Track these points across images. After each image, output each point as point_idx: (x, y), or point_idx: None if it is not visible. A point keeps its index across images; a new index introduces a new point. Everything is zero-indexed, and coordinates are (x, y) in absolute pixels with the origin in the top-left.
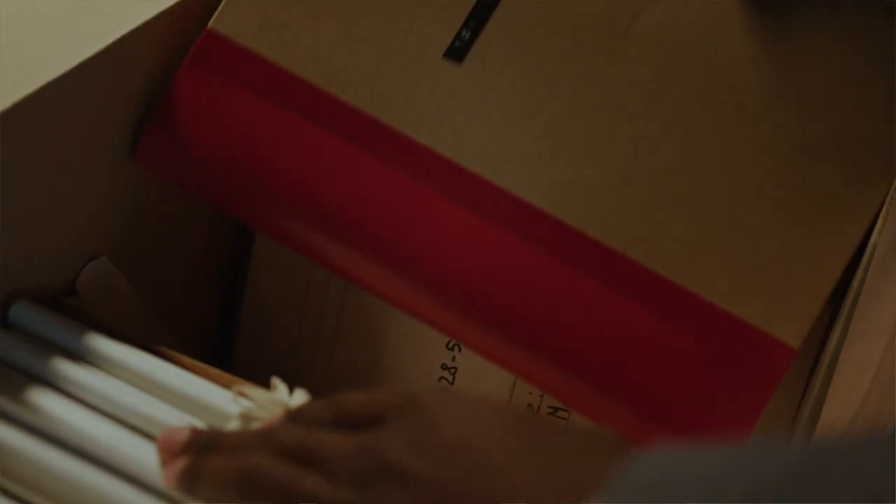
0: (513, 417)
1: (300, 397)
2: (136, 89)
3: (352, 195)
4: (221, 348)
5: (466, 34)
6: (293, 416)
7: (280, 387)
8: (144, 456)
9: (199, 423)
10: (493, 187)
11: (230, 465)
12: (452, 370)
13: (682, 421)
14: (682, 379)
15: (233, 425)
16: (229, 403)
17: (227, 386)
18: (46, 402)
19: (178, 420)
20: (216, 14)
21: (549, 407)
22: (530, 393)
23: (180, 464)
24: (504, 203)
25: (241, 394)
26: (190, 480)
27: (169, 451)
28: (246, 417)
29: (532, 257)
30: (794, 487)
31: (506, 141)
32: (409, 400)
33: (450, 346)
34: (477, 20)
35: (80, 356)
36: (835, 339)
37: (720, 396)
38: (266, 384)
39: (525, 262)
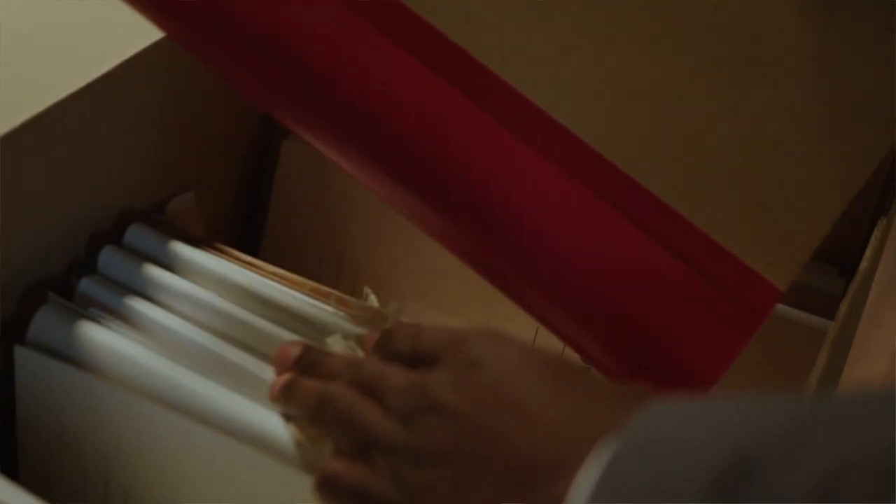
0: (553, 363)
1: (393, 309)
2: (142, 110)
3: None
4: None
5: None
6: (380, 343)
7: (371, 296)
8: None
9: (299, 336)
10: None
11: (314, 389)
12: None
13: (657, 346)
14: (664, 303)
15: (334, 339)
16: (328, 314)
17: (325, 297)
18: (156, 313)
19: (284, 335)
20: None
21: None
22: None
23: (284, 378)
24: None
25: (341, 301)
26: (285, 396)
27: (281, 365)
28: (343, 335)
29: (530, 158)
30: (795, 437)
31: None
32: (459, 340)
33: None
34: None
35: (189, 270)
36: (824, 361)
37: (701, 327)
38: None
39: (522, 161)
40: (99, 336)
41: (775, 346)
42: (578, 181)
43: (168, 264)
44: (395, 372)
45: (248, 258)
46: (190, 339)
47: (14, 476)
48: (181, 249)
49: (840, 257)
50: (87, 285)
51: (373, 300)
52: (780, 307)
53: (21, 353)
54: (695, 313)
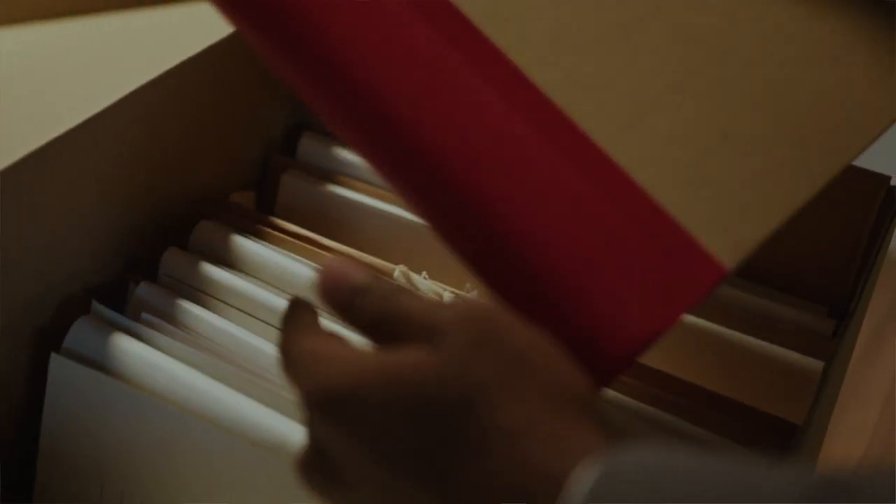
0: (538, 374)
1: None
2: (140, 148)
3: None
4: None
5: None
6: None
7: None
8: None
9: None
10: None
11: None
12: None
13: (580, 305)
14: (595, 260)
15: None
16: None
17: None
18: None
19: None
20: None
21: None
22: None
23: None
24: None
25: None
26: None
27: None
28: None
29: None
30: None
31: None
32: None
33: None
34: None
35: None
36: (814, 401)
37: (630, 294)
38: None
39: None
40: (135, 347)
41: (765, 385)
42: (534, 126)
43: (235, 262)
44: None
45: (326, 241)
46: (249, 344)
47: (29, 486)
48: (248, 247)
49: (830, 297)
50: (144, 290)
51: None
52: (769, 346)
53: (56, 361)
54: (622, 278)
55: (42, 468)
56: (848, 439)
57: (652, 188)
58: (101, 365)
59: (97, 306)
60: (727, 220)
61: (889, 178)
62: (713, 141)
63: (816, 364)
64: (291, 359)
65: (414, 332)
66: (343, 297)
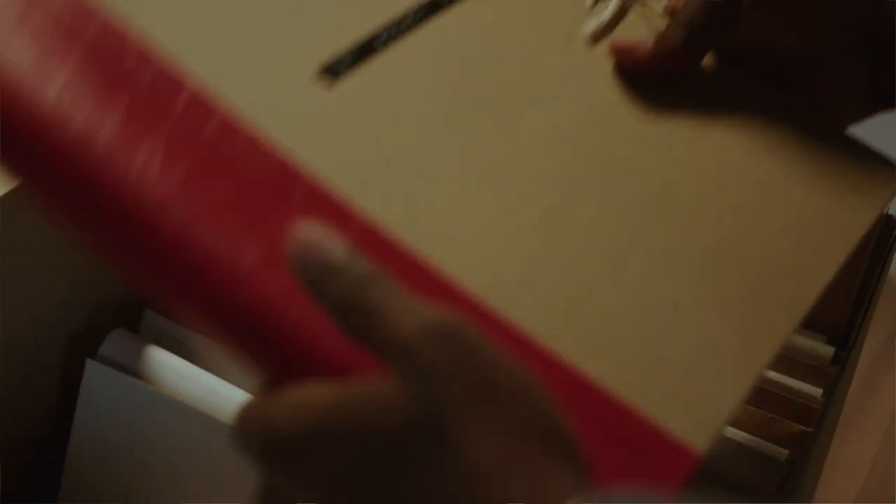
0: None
1: None
2: None
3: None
4: None
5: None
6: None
7: None
8: None
9: None
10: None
11: None
12: None
13: None
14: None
15: None
16: None
17: None
18: None
19: None
20: None
21: None
22: None
23: None
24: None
25: None
26: None
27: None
28: None
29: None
30: None
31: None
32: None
33: None
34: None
35: None
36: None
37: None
38: None
39: None
40: (170, 358)
41: (764, 413)
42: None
43: None
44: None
45: None
46: None
47: (54, 492)
48: None
49: (829, 325)
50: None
51: None
52: (769, 373)
53: (91, 367)
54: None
55: (69, 473)
56: (846, 473)
57: (604, 376)
58: (136, 373)
59: (150, 314)
60: (691, 397)
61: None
62: (663, 312)
63: (815, 391)
64: (242, 415)
65: (381, 343)
66: (313, 274)
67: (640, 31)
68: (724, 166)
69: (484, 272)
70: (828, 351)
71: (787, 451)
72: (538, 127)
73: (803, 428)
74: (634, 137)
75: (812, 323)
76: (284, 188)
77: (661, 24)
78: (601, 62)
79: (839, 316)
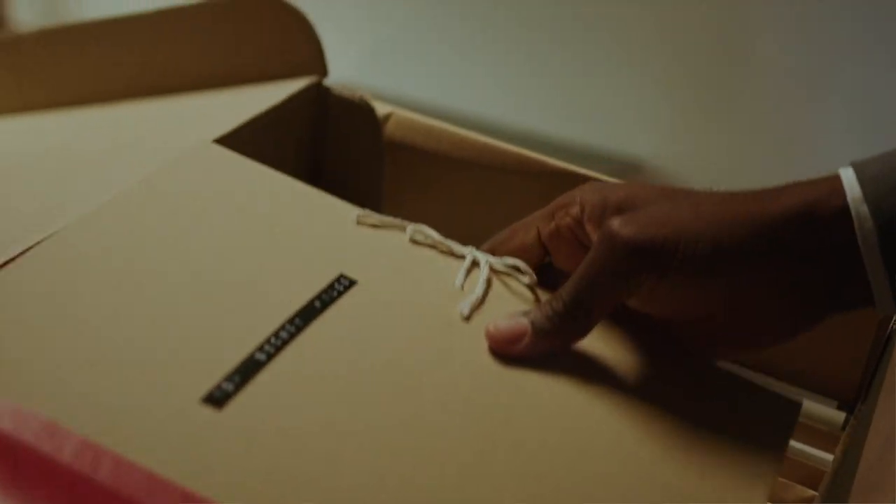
0: None
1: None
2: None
3: None
4: None
5: (230, 386)
6: None
7: None
8: None
9: None
10: None
11: None
12: None
13: None
14: None
15: None
16: None
17: None
18: None
19: None
20: None
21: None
22: None
23: None
24: None
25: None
26: None
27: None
28: None
29: None
30: None
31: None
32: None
33: None
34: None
35: None
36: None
37: None
38: None
39: None
40: None
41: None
42: None
43: None
44: None
45: None
46: None
47: None
48: None
49: (839, 390)
50: None
51: None
52: None
53: None
54: None
55: None
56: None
57: None
58: None
59: None
60: None
61: None
62: None
63: (825, 457)
64: None
65: None
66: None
67: (511, 300)
68: (598, 434)
69: None
70: (839, 416)
71: None
72: (436, 390)
73: (814, 493)
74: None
75: (822, 388)
76: None
77: (528, 295)
78: (481, 337)
79: (849, 381)
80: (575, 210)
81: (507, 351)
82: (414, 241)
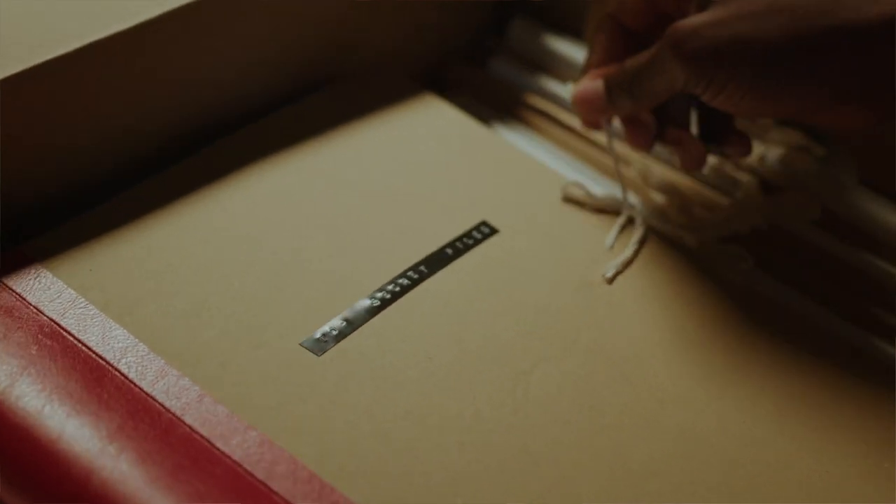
0: None
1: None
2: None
3: None
4: None
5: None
6: None
7: None
8: None
9: None
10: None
11: None
12: None
13: None
14: None
15: None
16: None
17: None
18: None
19: None
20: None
21: None
22: None
23: None
24: None
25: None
26: None
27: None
28: None
29: None
30: None
31: None
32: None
33: None
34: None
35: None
36: None
37: None
38: None
39: None
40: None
41: None
42: None
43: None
44: None
45: None
46: None
47: None
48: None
49: None
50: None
51: None
52: None
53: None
54: None
55: None
56: None
57: None
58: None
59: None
60: None
61: None
62: None
63: None
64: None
65: None
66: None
67: (661, 262)
68: (756, 422)
69: None
70: None
71: None
72: (547, 383)
73: None
74: (654, 393)
75: None
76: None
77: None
78: (619, 307)
79: None
80: None
81: (585, 112)
82: (568, 198)
